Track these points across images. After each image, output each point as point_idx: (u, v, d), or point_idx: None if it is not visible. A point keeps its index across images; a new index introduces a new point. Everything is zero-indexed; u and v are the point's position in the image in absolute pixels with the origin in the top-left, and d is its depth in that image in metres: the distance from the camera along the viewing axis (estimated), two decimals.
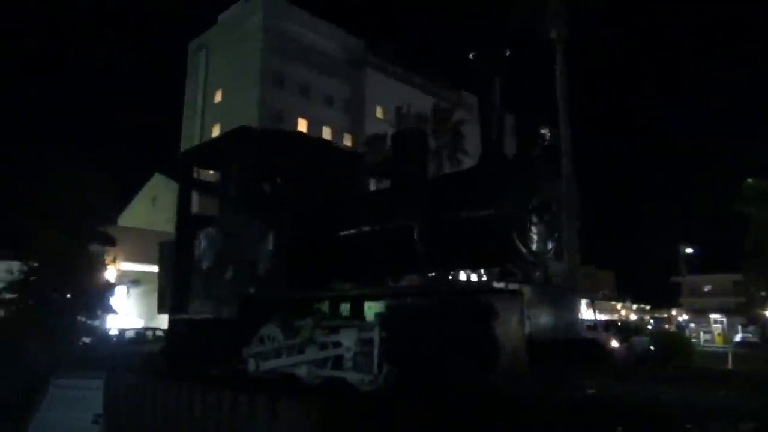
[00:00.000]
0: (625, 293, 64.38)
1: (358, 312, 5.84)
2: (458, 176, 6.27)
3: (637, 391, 4.82)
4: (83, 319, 15.92)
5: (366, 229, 5.97)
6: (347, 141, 46.61)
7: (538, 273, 5.07)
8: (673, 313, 62.58)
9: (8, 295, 15.43)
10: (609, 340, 26.33)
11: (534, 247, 5.05)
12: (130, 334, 19.51)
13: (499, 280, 4.96)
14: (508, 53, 5.53)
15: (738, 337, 42.64)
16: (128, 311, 26.04)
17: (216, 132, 43.98)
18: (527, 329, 4.62)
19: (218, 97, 46.80)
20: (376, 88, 49.28)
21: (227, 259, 6.73)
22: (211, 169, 7.58)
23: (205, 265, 7.05)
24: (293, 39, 45.65)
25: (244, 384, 6.11)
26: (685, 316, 56.77)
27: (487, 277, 5.33)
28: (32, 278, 15.25)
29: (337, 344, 5.70)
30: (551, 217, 5.12)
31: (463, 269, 5.28)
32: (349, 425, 4.14)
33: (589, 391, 4.95)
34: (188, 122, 48.18)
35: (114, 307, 17.59)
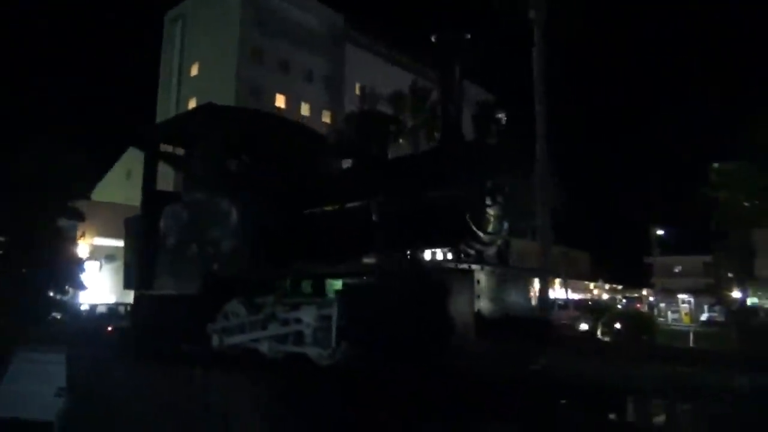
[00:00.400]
0: (599, 273, 65.64)
1: (319, 290, 5.97)
2: (416, 158, 6.38)
3: (583, 367, 5.04)
4: (53, 295, 15.87)
5: (328, 209, 6.08)
6: (326, 118, 46.29)
7: (491, 253, 5.23)
8: (644, 293, 64.07)
9: None
10: (579, 319, 26.95)
11: (488, 228, 5.22)
12: (101, 310, 19.46)
13: (452, 260, 5.10)
14: (468, 37, 5.61)
15: (704, 317, 43.93)
16: (101, 286, 25.89)
17: (192, 105, 43.37)
18: (476, 307, 4.78)
19: (195, 71, 45.92)
20: (357, 66, 48.82)
21: (192, 236, 6.78)
22: (177, 146, 7.58)
23: (169, 241, 7.10)
24: (273, 12, 44.86)
25: (205, 359, 6.24)
26: (655, 297, 58.26)
27: (443, 256, 5.47)
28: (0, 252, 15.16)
29: (298, 320, 5.83)
30: (505, 199, 5.27)
31: (418, 249, 5.41)
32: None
33: (536, 367, 5.17)
34: (164, 95, 47.26)
35: (84, 283, 17.52)
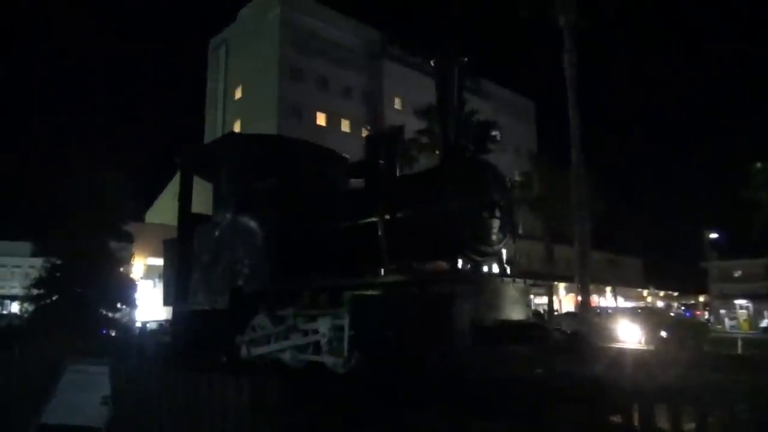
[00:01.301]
0: (652, 280, 63.69)
1: (334, 301, 6.36)
2: (419, 176, 6.73)
3: (587, 371, 5.21)
4: (105, 312, 16.91)
5: (341, 225, 6.50)
6: (366, 133, 47.09)
7: (489, 264, 5.51)
8: (701, 299, 61.69)
9: (35, 291, 16.58)
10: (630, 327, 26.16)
11: (487, 239, 5.52)
12: (152, 326, 20.48)
13: (452, 271, 5.40)
14: (466, 60, 5.96)
15: (765, 323, 42.00)
16: (154, 304, 27.14)
17: (237, 127, 44.91)
18: (474, 315, 5.07)
19: (238, 94, 47.66)
20: (395, 79, 49.53)
21: (220, 254, 7.33)
22: (206, 172, 8.18)
23: (201, 260, 7.67)
24: (311, 33, 46.19)
25: (234, 368, 6.72)
26: (711, 303, 56.03)
27: (447, 267, 5.78)
28: (56, 274, 16.33)
29: (315, 331, 6.25)
30: (502, 213, 5.56)
31: (422, 261, 5.74)
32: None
33: (538, 371, 5.39)
34: (210, 119, 49.21)
35: (135, 301, 18.56)
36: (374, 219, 5.96)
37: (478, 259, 5.44)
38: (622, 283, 52.29)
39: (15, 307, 30.23)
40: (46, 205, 18.04)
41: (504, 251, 5.57)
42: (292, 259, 6.61)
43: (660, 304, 60.57)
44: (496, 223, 5.53)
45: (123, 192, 18.48)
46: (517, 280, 5.54)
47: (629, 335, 23.27)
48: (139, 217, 36.25)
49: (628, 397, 4.49)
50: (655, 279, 63.98)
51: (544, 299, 40.91)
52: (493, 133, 5.33)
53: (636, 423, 4.41)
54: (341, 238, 6.46)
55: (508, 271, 5.59)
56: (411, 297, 5.36)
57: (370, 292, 5.69)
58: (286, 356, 6.58)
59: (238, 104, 47.17)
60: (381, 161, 6.48)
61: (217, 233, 7.46)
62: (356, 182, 7.42)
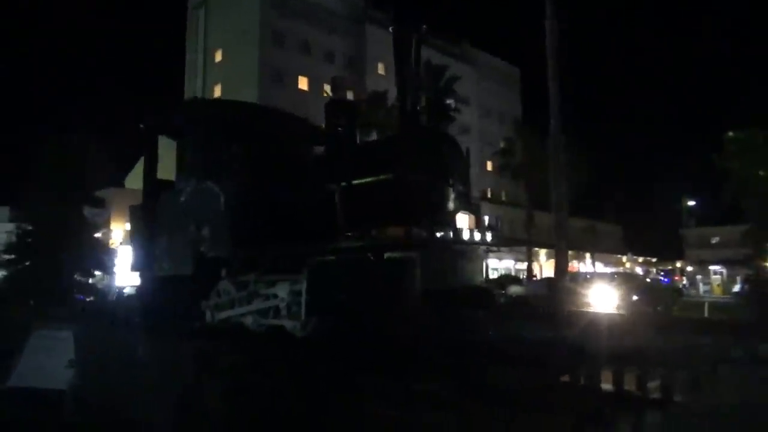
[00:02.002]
0: (631, 246, 64.70)
1: (293, 267, 6.46)
2: (376, 144, 6.78)
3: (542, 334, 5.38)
4: (80, 279, 16.92)
5: (301, 191, 6.55)
6: (348, 98, 46.59)
7: (444, 231, 5.61)
8: (678, 265, 62.94)
9: (6, 257, 16.54)
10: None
11: (440, 207, 5.62)
12: (129, 291, 20.50)
13: (405, 237, 5.50)
14: (425, 28, 5.94)
15: (737, 288, 43.04)
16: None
17: (218, 92, 44.20)
18: (426, 279, 5.19)
19: (219, 57, 46.69)
20: (378, 44, 48.66)
21: (184, 220, 7.36)
22: (170, 137, 8.13)
23: (165, 226, 7.70)
24: None
25: (198, 333, 6.85)
26: (689, 268, 57.21)
27: (403, 233, 5.88)
28: (28, 240, 16.25)
29: (275, 296, 6.37)
30: (457, 182, 5.65)
31: (377, 228, 5.83)
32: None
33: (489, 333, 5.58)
34: (190, 82, 48.28)
35: (111, 267, 18.57)
36: (332, 186, 6.03)
37: (433, 226, 5.53)
38: (602, 249, 53.14)
39: None
40: (20, 170, 17.87)
41: (458, 218, 5.68)
42: (253, 226, 6.66)
43: (639, 270, 61.79)
44: (450, 192, 5.62)
45: (96, 157, 18.27)
46: (472, 246, 5.65)
47: (604, 300, 23.82)
48: (119, 182, 35.87)
49: (575, 358, 4.69)
50: (634, 246, 65.09)
51: (526, 265, 41.57)
52: (448, 101, 5.35)
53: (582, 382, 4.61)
54: (301, 204, 6.52)
55: (476, 237, 5.66)
56: (366, 262, 5.47)
57: (326, 258, 5.79)
58: (249, 320, 6.71)
59: (218, 68, 46.28)
60: (340, 128, 6.50)
61: (180, 199, 7.47)
62: (320, 149, 7.44)
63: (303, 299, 5.85)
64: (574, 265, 46.50)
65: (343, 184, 5.85)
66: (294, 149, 7.49)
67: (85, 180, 17.53)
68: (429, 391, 3.84)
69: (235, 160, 7.09)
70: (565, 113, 22.75)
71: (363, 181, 5.83)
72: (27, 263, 16.49)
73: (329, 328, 5.61)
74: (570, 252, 38.25)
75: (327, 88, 45.89)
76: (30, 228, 16.48)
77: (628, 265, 63.12)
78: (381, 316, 5.17)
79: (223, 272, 7.02)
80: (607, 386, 4.43)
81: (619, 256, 62.48)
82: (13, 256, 16.69)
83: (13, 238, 16.70)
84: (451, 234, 5.61)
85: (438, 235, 5.35)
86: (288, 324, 6.14)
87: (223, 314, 7.03)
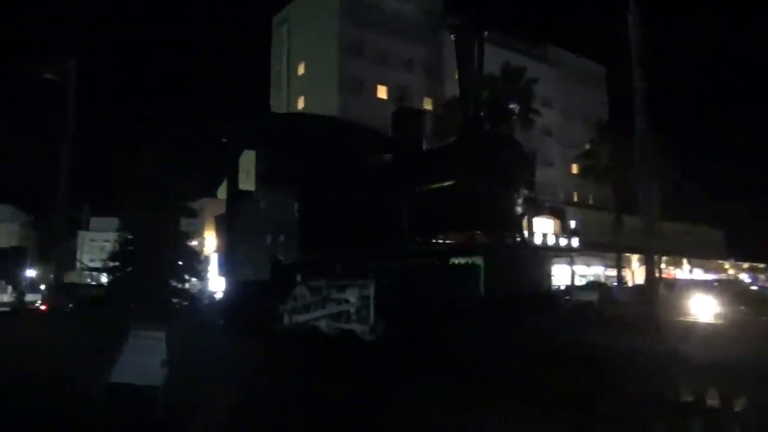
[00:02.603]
0: (735, 251, 60.11)
1: (363, 272, 6.65)
2: (439, 151, 6.83)
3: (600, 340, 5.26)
4: (175, 284, 18.18)
5: (369, 198, 6.74)
6: (427, 105, 46.72)
7: (509, 236, 5.60)
8: None
9: (110, 264, 18.11)
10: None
11: (504, 213, 5.61)
12: (219, 296, 21.74)
13: (471, 243, 5.54)
14: (486, 33, 5.97)
15: None
16: None
17: (301, 105, 45.80)
18: (492, 285, 5.20)
19: (301, 70, 48.36)
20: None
21: (261, 228, 7.78)
22: (250, 149, 8.61)
23: (245, 234, 8.17)
24: (371, 5, 45.98)
25: (275, 336, 7.21)
26: None
27: (468, 239, 5.92)
28: (128, 248, 17.70)
29: (346, 300, 6.59)
30: (522, 186, 5.62)
31: (442, 234, 5.90)
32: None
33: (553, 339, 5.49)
34: (276, 96, 50.34)
35: (202, 273, 19.78)
36: (398, 193, 6.17)
37: (498, 231, 5.54)
38: (700, 255, 49.75)
39: (104, 279, 32.80)
40: (125, 185, 19.44)
41: (540, 223, 5.63)
42: (323, 232, 6.93)
43: (745, 276, 57.23)
44: (515, 196, 5.60)
45: (189, 171, 19.55)
46: (539, 251, 5.60)
47: (702, 309, 22.24)
48: (212, 192, 38.00)
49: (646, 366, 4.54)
50: (739, 250, 60.35)
51: (616, 271, 39.68)
52: (511, 106, 5.34)
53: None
54: (368, 210, 6.71)
55: (548, 241, 5.63)
56: (431, 268, 5.56)
57: (393, 263, 5.94)
58: (322, 324, 6.99)
59: (301, 81, 47.94)
60: (407, 136, 6.63)
61: (258, 209, 7.91)
62: (388, 156, 7.62)
63: (371, 304, 6.02)
64: (670, 272, 43.84)
65: (409, 190, 5.97)
66: (362, 158, 7.72)
67: (181, 191, 18.83)
68: (484, 395, 3.86)
69: (306, 170, 7.42)
70: (654, 111, 21.68)
71: (427, 187, 5.93)
72: (128, 269, 17.97)
73: (395, 332, 5.74)
74: (665, 258, 36.19)
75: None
76: (130, 237, 17.97)
77: (731, 271, 58.65)
78: (444, 321, 5.24)
79: (298, 277, 7.35)
80: (684, 397, 4.25)
81: (720, 261, 58.21)
82: (116, 263, 18.28)
83: (116, 246, 18.30)
84: (518, 239, 5.59)
85: (503, 240, 5.34)
86: (358, 328, 6.34)
87: (299, 318, 7.35)
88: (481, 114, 5.87)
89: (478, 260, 5.26)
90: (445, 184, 5.75)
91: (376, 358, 5.33)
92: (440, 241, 5.74)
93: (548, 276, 5.69)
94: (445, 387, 4.26)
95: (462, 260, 5.38)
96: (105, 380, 7.48)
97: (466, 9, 6.57)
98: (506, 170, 5.55)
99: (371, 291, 6.04)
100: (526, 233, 5.55)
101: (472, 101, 5.81)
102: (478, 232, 5.49)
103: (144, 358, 7.95)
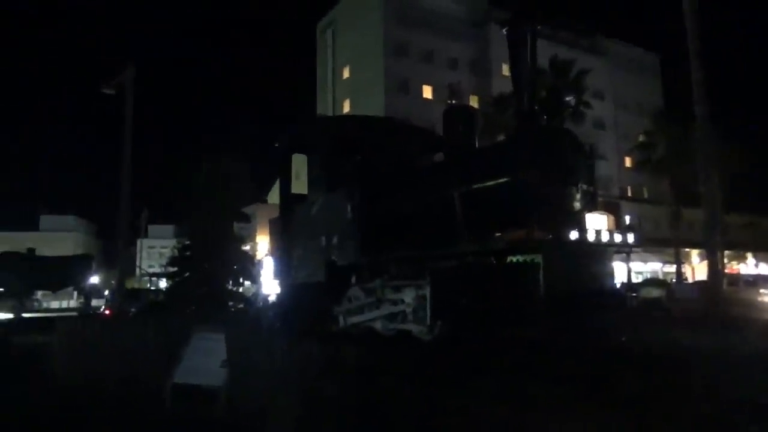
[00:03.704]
0: None
1: (418, 272, 6.61)
2: (493, 148, 6.71)
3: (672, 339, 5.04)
4: (231, 287, 18.68)
5: (422, 198, 6.69)
6: (474, 102, 46.27)
7: (566, 232, 5.43)
8: None
9: (170, 269, 18.78)
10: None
11: (562, 207, 5.45)
12: (273, 299, 22.12)
13: (528, 240, 5.40)
14: (538, 27, 5.83)
15: None
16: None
17: (346, 108, 46.17)
18: (551, 282, 5.07)
19: (346, 73, 48.79)
20: (502, 45, 47.41)
21: (315, 230, 7.85)
22: (302, 153, 8.72)
23: (300, 237, 8.26)
24: (414, 5, 45.95)
25: (332, 337, 7.26)
26: None
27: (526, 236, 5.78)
28: (186, 254, 18.31)
29: (402, 301, 6.57)
30: (581, 179, 5.45)
31: (498, 231, 5.78)
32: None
33: (623, 339, 5.30)
34: (322, 100, 50.99)
35: (257, 276, 20.19)
36: (453, 191, 6.10)
37: (556, 227, 5.39)
38: (766, 248, 47.21)
39: (162, 284, 34.05)
40: (183, 193, 20.12)
41: (595, 218, 5.47)
42: (377, 233, 6.93)
43: None
44: (573, 191, 5.44)
45: (243, 178, 20.04)
46: (600, 247, 5.41)
47: None
48: (262, 198, 38.80)
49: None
50: None
51: (675, 267, 38.17)
52: (567, 98, 5.19)
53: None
54: (422, 210, 6.67)
55: (616, 238, 5.42)
56: (488, 267, 5.48)
57: (449, 263, 5.87)
58: (378, 325, 6.99)
59: (346, 84, 48.35)
60: (459, 134, 6.56)
61: (312, 211, 7.99)
62: (440, 155, 7.56)
63: (428, 304, 5.98)
64: (734, 267, 41.86)
65: (463, 189, 5.89)
66: (414, 157, 7.69)
67: (235, 197, 19.35)
68: (547, 395, 3.76)
69: (358, 172, 7.44)
70: (714, 99, 20.71)
71: (482, 185, 5.83)
72: (186, 274, 18.60)
73: (453, 331, 5.68)
74: (728, 252, 34.51)
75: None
76: (188, 243, 18.58)
77: None
78: (503, 320, 5.14)
79: (353, 279, 7.38)
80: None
81: None
82: (175, 269, 18.95)
83: (175, 252, 18.97)
84: (577, 235, 5.42)
85: (563, 236, 5.19)
86: (414, 328, 6.31)
87: (355, 319, 7.38)
88: (536, 108, 5.70)
89: (537, 258, 5.14)
90: (501, 180, 5.64)
91: (435, 358, 5.28)
92: (496, 240, 5.62)
93: (611, 273, 5.50)
94: (507, 386, 4.18)
95: (520, 258, 5.26)
96: (170, 381, 7.73)
97: (515, 2, 6.41)
98: (564, 164, 5.40)
99: (427, 291, 6.00)
100: (589, 229, 5.38)
101: (527, 96, 5.68)
102: (535, 228, 5.34)
103: (205, 360, 8.17)
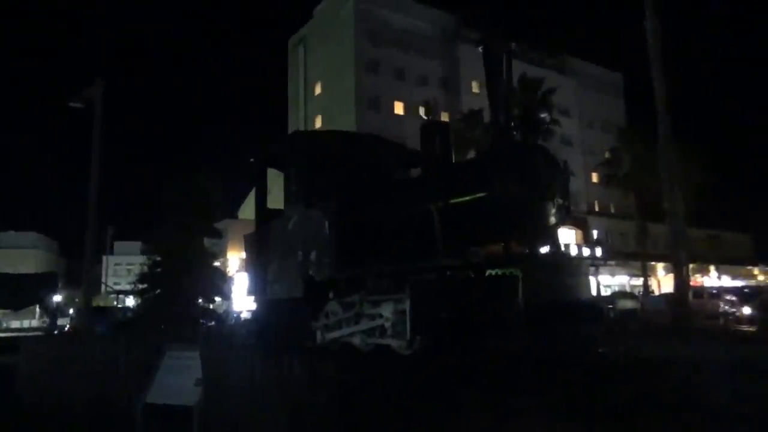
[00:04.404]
0: (765, 257, 58.80)
1: (397, 286, 6.62)
2: (470, 162, 6.82)
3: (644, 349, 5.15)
4: (203, 304, 18.38)
5: (399, 213, 6.74)
6: (444, 118, 46.82)
7: (542, 246, 5.54)
8: None
9: (139, 286, 18.41)
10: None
11: (538, 222, 5.56)
12: (245, 315, 21.86)
13: (505, 254, 5.49)
14: (514, 46, 5.98)
15: None
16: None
17: (318, 123, 46.23)
18: (528, 295, 5.14)
19: (318, 90, 48.92)
20: (471, 63, 48.54)
21: (291, 246, 7.81)
22: (277, 169, 8.69)
23: (277, 252, 8.20)
24: (385, 24, 46.47)
25: (309, 353, 7.19)
26: None
27: (500, 250, 5.86)
28: (156, 270, 17.97)
29: (381, 315, 6.56)
30: (555, 194, 5.57)
31: (475, 245, 5.86)
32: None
33: (601, 350, 5.39)
34: (293, 116, 50.93)
35: (228, 293, 19.96)
36: (428, 206, 6.16)
37: (533, 241, 5.49)
38: (728, 261, 48.73)
39: (129, 302, 33.28)
40: (150, 209, 19.83)
41: (564, 233, 5.58)
42: (354, 248, 6.94)
43: None
44: (548, 205, 5.56)
45: (214, 193, 19.82)
46: (575, 260, 5.53)
47: (732, 315, 21.80)
48: (233, 214, 38.41)
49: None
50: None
51: (642, 280, 39.06)
52: (542, 115, 5.33)
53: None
54: (400, 225, 6.70)
55: (571, 251, 5.57)
56: (467, 280, 5.52)
57: (428, 277, 5.90)
58: (356, 340, 6.96)
59: (318, 100, 48.45)
60: (435, 149, 6.63)
61: (288, 227, 7.94)
62: (417, 170, 7.62)
63: (407, 318, 5.99)
64: (697, 279, 43.03)
65: (440, 203, 5.96)
66: (390, 172, 7.74)
67: (205, 213, 19.10)
68: (529, 406, 3.80)
69: (335, 187, 7.45)
70: (676, 116, 21.38)
71: (459, 200, 5.91)
72: (157, 291, 18.24)
73: (433, 345, 5.69)
74: (692, 265, 35.47)
75: (421, 111, 46.65)
76: (158, 259, 18.25)
77: (761, 277, 57.39)
78: (483, 333, 5.18)
79: (331, 294, 7.34)
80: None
81: (749, 267, 56.95)
82: (145, 285, 18.56)
83: (145, 269, 18.59)
84: (554, 248, 5.53)
85: (539, 250, 5.29)
86: (394, 343, 6.30)
87: (333, 334, 7.33)
88: (512, 125, 5.82)
89: (516, 271, 5.21)
90: (478, 195, 5.72)
91: (415, 372, 5.28)
92: (474, 254, 5.69)
93: (587, 285, 5.61)
94: (488, 399, 4.21)
95: (498, 271, 5.33)
96: (142, 400, 7.54)
97: (485, 21, 6.57)
98: (540, 179, 5.51)
99: (407, 305, 6.02)
100: (564, 242, 5.48)
101: (503, 112, 5.80)
102: (512, 242, 5.44)
103: (178, 379, 7.99)
